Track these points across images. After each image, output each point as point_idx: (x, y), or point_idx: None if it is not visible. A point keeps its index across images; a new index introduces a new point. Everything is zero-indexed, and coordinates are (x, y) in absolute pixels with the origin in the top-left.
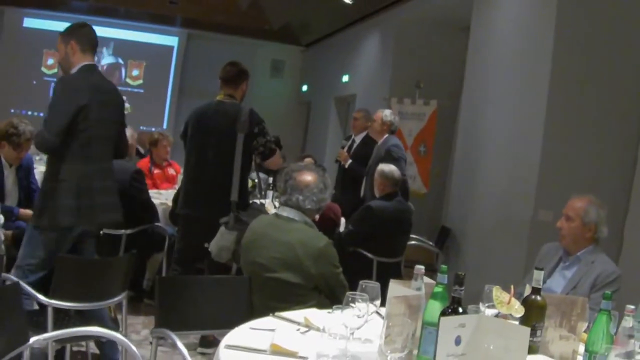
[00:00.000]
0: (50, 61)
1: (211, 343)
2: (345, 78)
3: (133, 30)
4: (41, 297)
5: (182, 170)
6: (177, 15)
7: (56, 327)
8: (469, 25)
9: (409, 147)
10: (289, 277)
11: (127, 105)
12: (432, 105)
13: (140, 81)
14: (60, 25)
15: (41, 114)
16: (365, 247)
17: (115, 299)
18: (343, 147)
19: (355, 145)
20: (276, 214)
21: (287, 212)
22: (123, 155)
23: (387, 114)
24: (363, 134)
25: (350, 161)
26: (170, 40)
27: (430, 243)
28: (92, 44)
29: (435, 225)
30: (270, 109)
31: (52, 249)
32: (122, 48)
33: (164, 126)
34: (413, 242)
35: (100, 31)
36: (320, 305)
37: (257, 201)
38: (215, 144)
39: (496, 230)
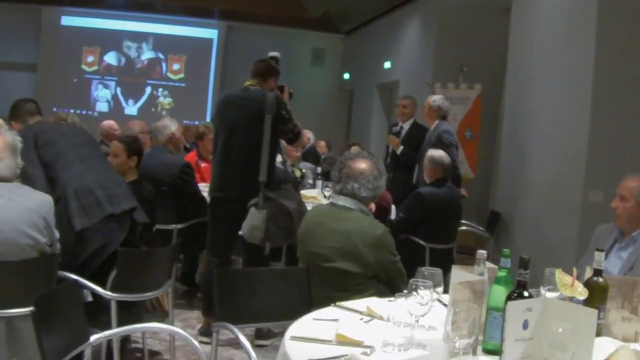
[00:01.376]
0: (90, 58)
1: (267, 335)
2: (387, 64)
3: (172, 25)
4: (101, 290)
5: None
6: (215, 7)
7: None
8: (510, 7)
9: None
10: (347, 266)
11: (168, 100)
12: (477, 89)
13: (182, 75)
14: (99, 22)
15: (84, 112)
16: (416, 234)
17: (161, 289)
18: (394, 134)
19: (404, 132)
20: (331, 203)
21: (342, 201)
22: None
23: (435, 99)
24: (411, 121)
25: (402, 147)
26: (210, 33)
27: (480, 228)
28: (34, 112)
29: (483, 210)
30: (312, 98)
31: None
32: (161, 42)
33: (207, 119)
34: (463, 228)
35: (139, 26)
36: (380, 294)
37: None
38: (241, 126)
39: (546, 213)
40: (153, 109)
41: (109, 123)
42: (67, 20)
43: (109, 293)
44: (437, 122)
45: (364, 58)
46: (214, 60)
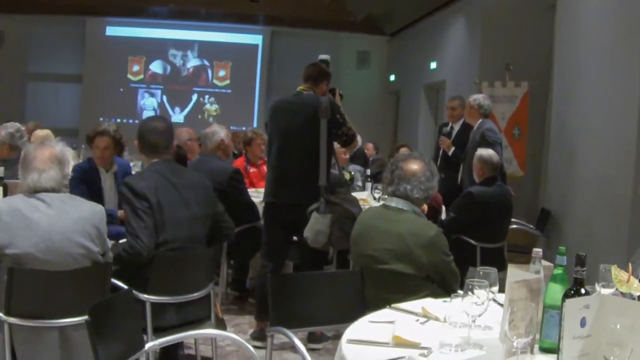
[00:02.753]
0: (136, 68)
1: (319, 338)
2: (433, 65)
3: (216, 32)
4: (137, 292)
5: None
6: (259, 13)
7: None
8: (554, 4)
9: (502, 130)
10: (400, 267)
11: (214, 106)
12: (524, 87)
13: (228, 81)
14: (143, 32)
15: (130, 121)
16: (467, 233)
17: (201, 291)
18: (444, 134)
19: (454, 133)
20: (384, 205)
21: (395, 203)
22: None
23: (475, 97)
24: (461, 121)
25: (453, 148)
26: (255, 39)
27: (531, 226)
28: (166, 146)
29: (533, 208)
30: (358, 100)
31: None
32: (206, 50)
33: (254, 125)
34: (514, 226)
35: (184, 34)
36: (434, 295)
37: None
38: (296, 131)
39: (596, 210)
40: (200, 116)
41: None
42: (112, 31)
43: (145, 295)
44: (480, 120)
45: (410, 59)
46: (259, 66)
